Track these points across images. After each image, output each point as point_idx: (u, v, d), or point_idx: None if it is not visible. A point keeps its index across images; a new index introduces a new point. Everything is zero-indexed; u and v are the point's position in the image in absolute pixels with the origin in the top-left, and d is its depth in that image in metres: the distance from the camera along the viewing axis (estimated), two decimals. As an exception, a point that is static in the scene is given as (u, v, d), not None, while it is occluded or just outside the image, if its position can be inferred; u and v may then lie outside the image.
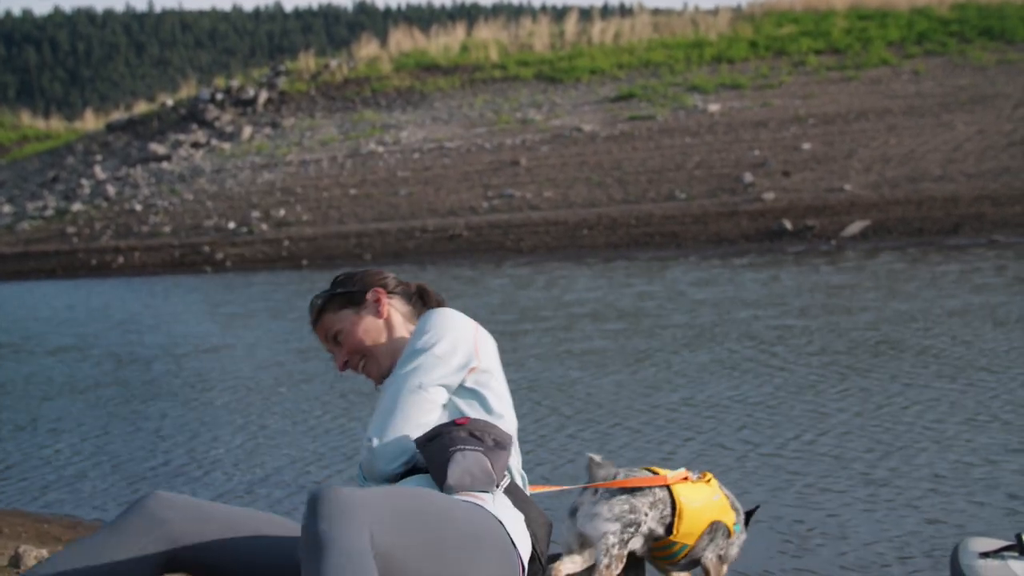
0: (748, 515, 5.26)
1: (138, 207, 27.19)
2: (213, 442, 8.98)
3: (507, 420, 3.48)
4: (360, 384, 10.49)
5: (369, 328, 3.59)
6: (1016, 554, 4.91)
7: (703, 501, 4.40)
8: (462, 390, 3.44)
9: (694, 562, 4.45)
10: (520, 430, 8.47)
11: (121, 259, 23.62)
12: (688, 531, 4.24)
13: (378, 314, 3.61)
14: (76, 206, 29.05)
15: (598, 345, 11.54)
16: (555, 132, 26.44)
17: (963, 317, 11.21)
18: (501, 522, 3.18)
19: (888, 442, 7.63)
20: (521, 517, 3.28)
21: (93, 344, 14.55)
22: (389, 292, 3.67)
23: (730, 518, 4.58)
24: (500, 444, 3.26)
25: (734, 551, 4.73)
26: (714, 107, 26.20)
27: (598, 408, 9.08)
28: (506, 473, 3.33)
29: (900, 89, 25.19)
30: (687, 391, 9.35)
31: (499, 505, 3.23)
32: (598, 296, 14.65)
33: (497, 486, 3.24)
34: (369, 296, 3.63)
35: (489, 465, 3.19)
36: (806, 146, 21.83)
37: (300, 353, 12.60)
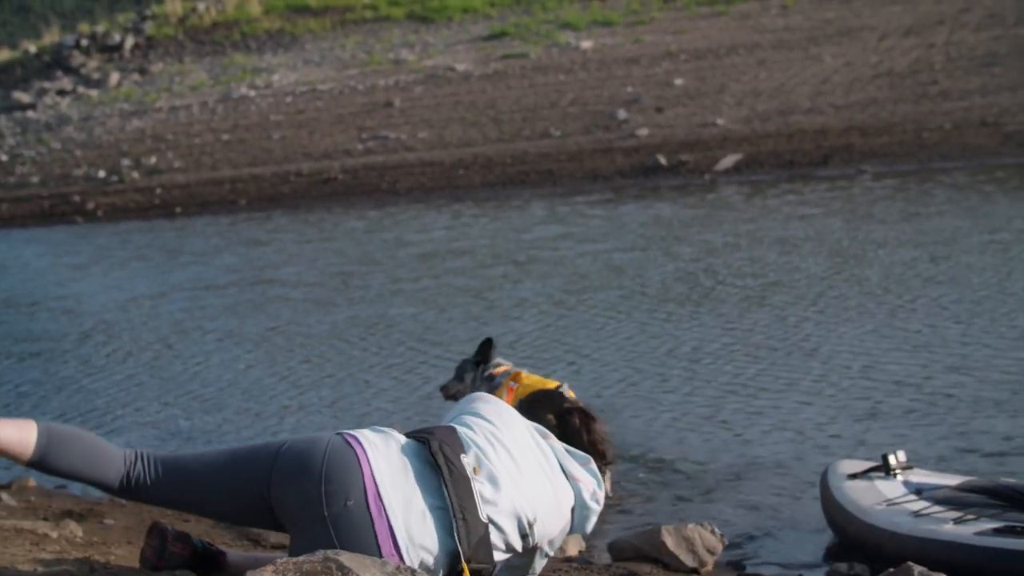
0: (481, 351, 6.01)
1: (3, 157, 26.43)
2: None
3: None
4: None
5: None
6: (882, 474, 5.09)
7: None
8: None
9: None
10: (343, 362, 8.53)
11: (-13, 211, 22.96)
12: None
13: None
14: (-63, 158, 28.16)
15: (426, 285, 11.80)
16: (428, 72, 26.25)
17: (788, 246, 11.71)
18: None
19: (718, 371, 7.83)
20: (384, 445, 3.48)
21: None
22: None
23: None
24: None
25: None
26: (586, 44, 26.23)
27: (419, 342, 9.48)
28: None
29: (769, 23, 25.46)
30: (504, 326, 9.63)
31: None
32: (439, 236, 14.90)
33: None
34: None
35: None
36: (678, 82, 21.98)
37: (128, 303, 12.75)
